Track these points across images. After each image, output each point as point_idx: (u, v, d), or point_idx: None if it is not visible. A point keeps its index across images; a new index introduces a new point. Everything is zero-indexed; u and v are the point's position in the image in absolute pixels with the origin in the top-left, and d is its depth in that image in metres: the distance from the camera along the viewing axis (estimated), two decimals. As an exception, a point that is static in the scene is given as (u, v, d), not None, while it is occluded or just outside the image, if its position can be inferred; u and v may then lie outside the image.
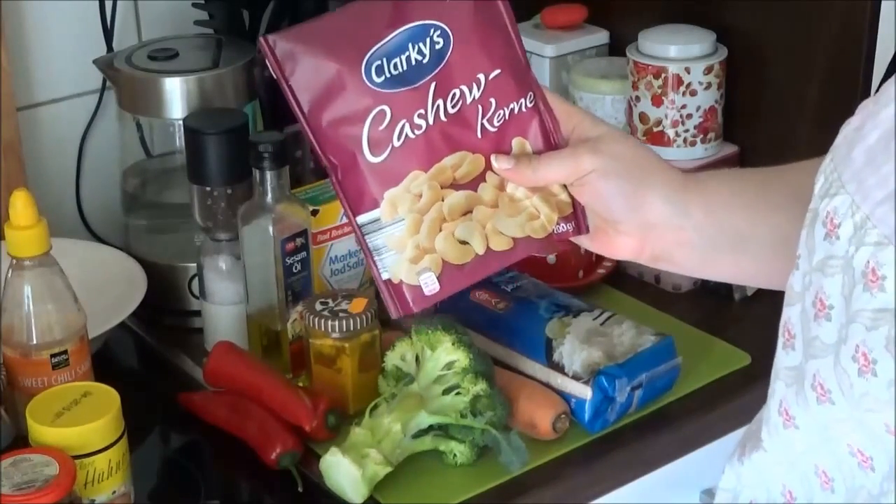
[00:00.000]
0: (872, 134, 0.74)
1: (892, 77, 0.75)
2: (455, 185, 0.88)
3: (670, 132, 1.52)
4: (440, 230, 0.88)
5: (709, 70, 1.51)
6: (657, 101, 1.52)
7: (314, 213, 1.34)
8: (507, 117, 0.90)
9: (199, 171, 1.33)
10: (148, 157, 1.54)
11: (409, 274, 0.88)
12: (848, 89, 1.43)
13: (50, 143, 1.56)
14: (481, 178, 0.89)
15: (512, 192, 0.90)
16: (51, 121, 1.56)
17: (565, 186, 0.91)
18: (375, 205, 0.87)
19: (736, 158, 1.56)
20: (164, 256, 1.45)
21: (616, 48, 1.66)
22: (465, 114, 0.88)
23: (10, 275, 1.15)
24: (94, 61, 1.47)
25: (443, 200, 0.88)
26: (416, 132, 0.87)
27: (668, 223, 0.91)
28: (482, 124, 0.89)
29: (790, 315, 0.80)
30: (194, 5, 1.51)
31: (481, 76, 0.88)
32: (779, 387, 0.82)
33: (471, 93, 0.88)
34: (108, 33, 1.53)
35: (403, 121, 0.86)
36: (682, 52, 1.50)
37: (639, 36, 1.53)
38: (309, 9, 1.49)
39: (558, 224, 0.91)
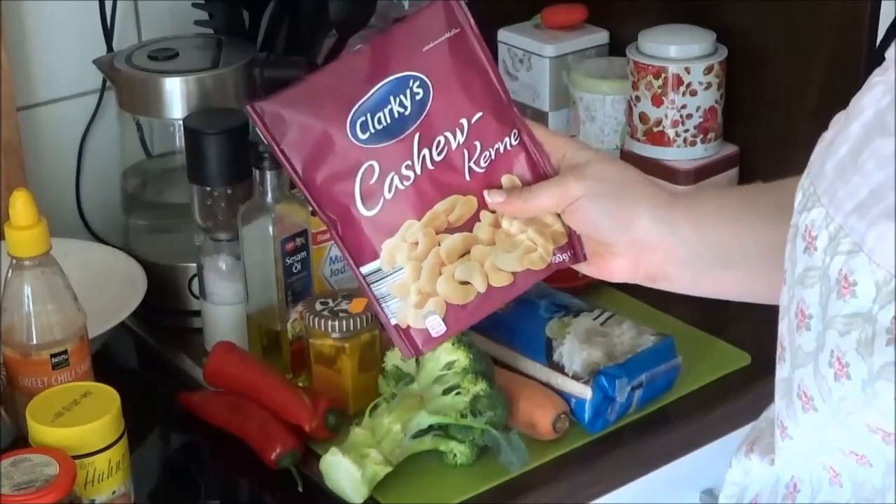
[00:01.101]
0: (842, 148, 0.77)
1: (860, 91, 0.78)
2: (450, 229, 0.90)
3: (670, 132, 1.52)
4: (440, 273, 0.90)
5: (709, 70, 1.51)
6: (657, 101, 1.52)
7: (314, 213, 1.33)
8: (493, 157, 0.91)
9: (199, 171, 1.33)
10: (148, 157, 1.54)
11: (415, 319, 0.90)
12: (848, 89, 1.42)
13: (50, 143, 1.56)
14: (475, 218, 0.91)
15: (507, 228, 0.92)
16: (51, 121, 1.56)
17: (559, 216, 0.93)
18: (375, 256, 0.89)
19: (736, 158, 1.56)
20: (164, 256, 1.45)
21: (616, 48, 1.66)
22: (452, 159, 0.90)
23: (10, 275, 1.15)
24: (94, 61, 1.47)
25: (439, 245, 0.90)
26: (406, 183, 0.88)
27: (657, 240, 0.93)
28: (469, 167, 0.90)
29: (781, 328, 0.82)
30: (194, 5, 1.51)
31: (464, 121, 0.90)
32: (777, 399, 0.84)
33: (455, 138, 0.89)
34: (108, 33, 1.53)
35: (392, 173, 0.88)
36: (682, 52, 1.51)
37: (639, 36, 1.53)
38: (309, 9, 1.49)
39: (555, 255, 0.94)
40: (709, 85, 1.51)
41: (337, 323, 1.24)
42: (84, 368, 1.18)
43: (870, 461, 0.76)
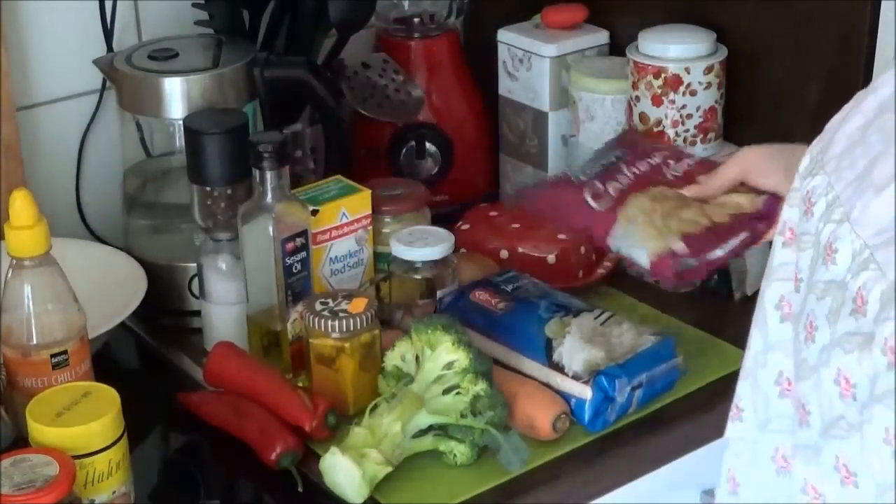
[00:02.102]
0: (855, 119, 0.80)
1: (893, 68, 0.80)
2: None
3: (670, 132, 1.52)
4: (670, 217, 1.19)
5: (709, 70, 1.51)
6: (657, 101, 1.52)
7: (314, 213, 1.34)
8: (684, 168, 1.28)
9: (199, 171, 1.33)
10: (148, 157, 1.54)
11: (661, 247, 1.16)
12: (848, 89, 1.42)
13: (50, 143, 1.56)
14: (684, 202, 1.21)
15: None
16: (51, 121, 1.56)
17: (750, 190, 1.18)
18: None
19: (736, 158, 1.56)
20: (164, 256, 1.45)
21: (616, 48, 1.66)
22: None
23: (10, 275, 1.15)
24: (94, 61, 1.47)
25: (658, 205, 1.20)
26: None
27: None
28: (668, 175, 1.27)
29: (783, 289, 0.89)
30: (194, 5, 1.51)
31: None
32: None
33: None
34: (108, 33, 1.53)
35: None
36: (682, 52, 1.50)
37: (639, 36, 1.53)
38: (309, 9, 1.49)
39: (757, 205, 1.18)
40: (709, 85, 1.51)
41: (337, 323, 1.24)
42: (84, 368, 1.18)
43: (854, 394, 0.79)
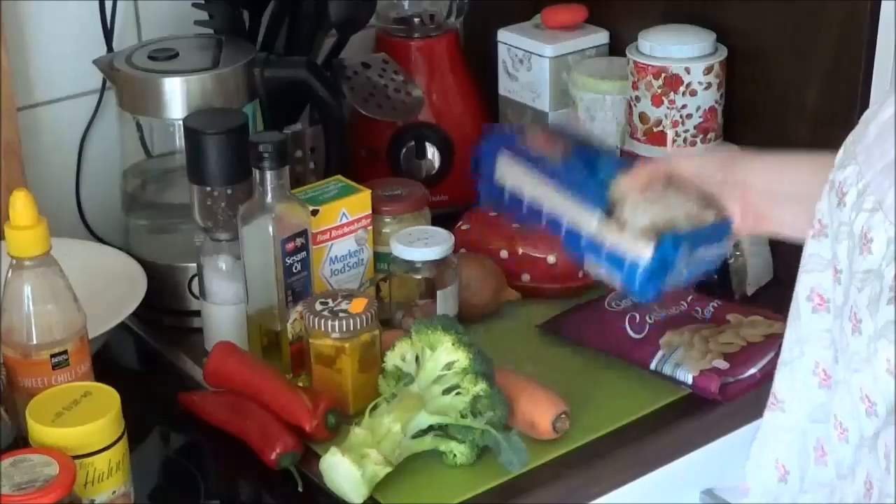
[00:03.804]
0: (887, 111, 0.79)
1: None
2: None
3: (670, 132, 1.52)
4: (708, 342, 1.32)
5: (709, 70, 1.51)
6: (657, 101, 1.52)
7: (314, 213, 1.34)
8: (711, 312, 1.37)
9: (199, 171, 1.33)
10: (148, 157, 1.54)
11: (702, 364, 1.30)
12: (848, 90, 1.43)
13: (50, 143, 1.56)
14: None
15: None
16: (51, 121, 1.56)
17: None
18: None
19: (736, 158, 1.56)
20: (164, 256, 1.45)
21: (616, 48, 1.66)
22: None
23: (10, 275, 1.15)
24: (94, 61, 1.47)
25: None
26: None
27: (747, 180, 1.07)
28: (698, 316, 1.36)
29: (821, 281, 0.89)
30: (194, 5, 1.51)
31: None
32: (814, 347, 0.91)
33: None
34: (108, 33, 1.53)
35: None
36: (682, 52, 1.50)
37: (639, 36, 1.53)
38: (309, 9, 1.49)
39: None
40: (709, 85, 1.51)
41: (337, 323, 1.24)
42: (84, 368, 1.18)
43: (848, 436, 0.78)
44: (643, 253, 1.10)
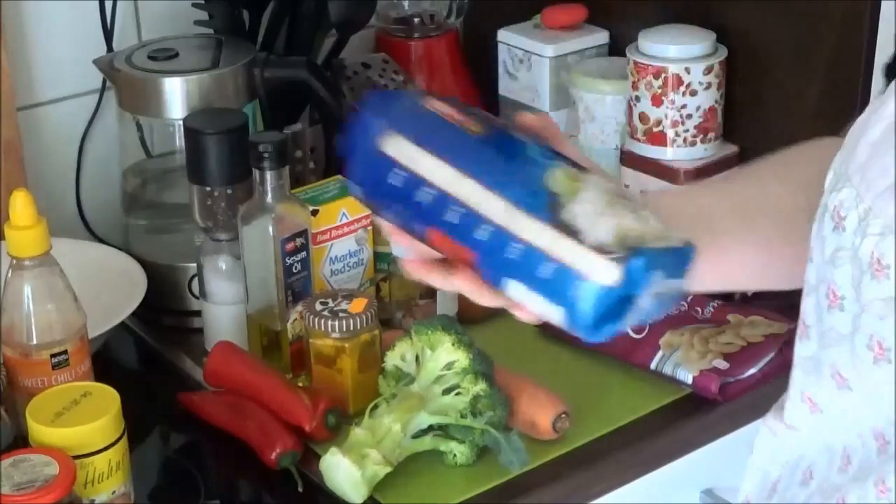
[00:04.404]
0: (876, 128, 0.76)
1: None
2: None
3: (670, 132, 1.52)
4: (708, 342, 1.32)
5: (709, 70, 1.51)
6: (657, 101, 1.52)
7: (314, 213, 1.34)
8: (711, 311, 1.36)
9: (199, 171, 1.33)
10: (148, 157, 1.54)
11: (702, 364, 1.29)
12: (848, 89, 1.43)
13: (50, 143, 1.56)
14: None
15: None
16: (51, 121, 1.56)
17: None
18: None
19: (736, 158, 1.56)
20: (164, 256, 1.45)
21: (616, 48, 1.66)
22: None
23: (10, 275, 1.15)
24: (94, 61, 1.47)
25: None
26: None
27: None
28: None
29: (806, 306, 0.83)
30: (194, 5, 1.51)
31: None
32: (797, 375, 0.85)
33: None
34: (108, 33, 1.53)
35: None
36: (682, 52, 1.50)
37: (639, 36, 1.53)
38: (309, 9, 1.49)
39: None
40: (709, 85, 1.51)
41: (337, 323, 1.24)
42: (84, 368, 1.18)
43: (889, 449, 0.77)
44: (604, 276, 0.77)
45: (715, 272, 0.90)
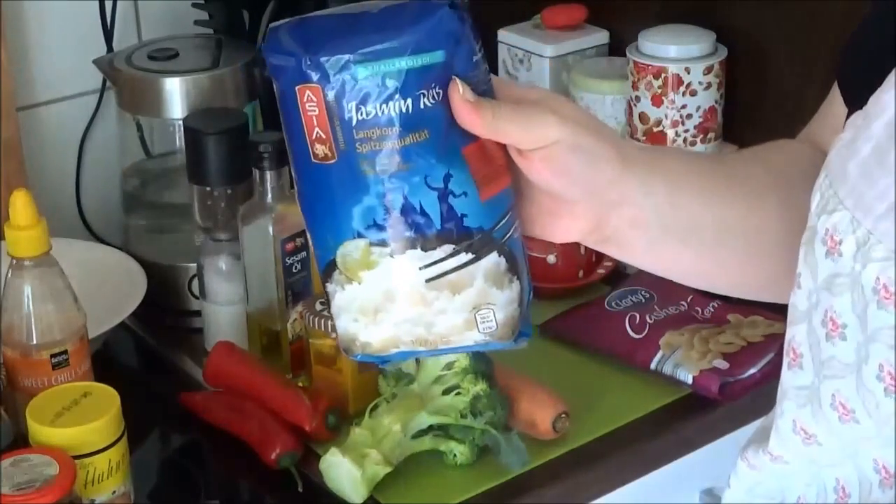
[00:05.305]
0: (865, 147, 0.73)
1: (879, 90, 0.74)
2: None
3: (670, 132, 1.52)
4: (708, 343, 1.34)
5: (709, 70, 1.51)
6: (657, 101, 1.52)
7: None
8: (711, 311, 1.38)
9: (199, 171, 1.33)
10: (148, 157, 1.54)
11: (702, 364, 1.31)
12: (848, 89, 1.43)
13: (50, 143, 1.56)
14: None
15: None
16: (51, 121, 1.56)
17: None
18: None
19: (736, 158, 1.56)
20: (164, 256, 1.45)
21: (616, 48, 1.66)
22: None
23: (10, 275, 1.15)
24: (94, 61, 1.47)
25: None
26: None
27: (630, 201, 0.80)
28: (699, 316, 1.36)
29: (795, 334, 0.79)
30: (194, 5, 1.51)
31: None
32: (788, 406, 0.81)
33: None
34: (108, 33, 1.53)
35: None
36: (682, 52, 1.50)
37: (639, 36, 1.53)
38: (309, 9, 1.49)
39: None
40: (709, 85, 1.51)
41: (337, 323, 1.23)
42: (84, 368, 1.18)
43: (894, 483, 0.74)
44: None
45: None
